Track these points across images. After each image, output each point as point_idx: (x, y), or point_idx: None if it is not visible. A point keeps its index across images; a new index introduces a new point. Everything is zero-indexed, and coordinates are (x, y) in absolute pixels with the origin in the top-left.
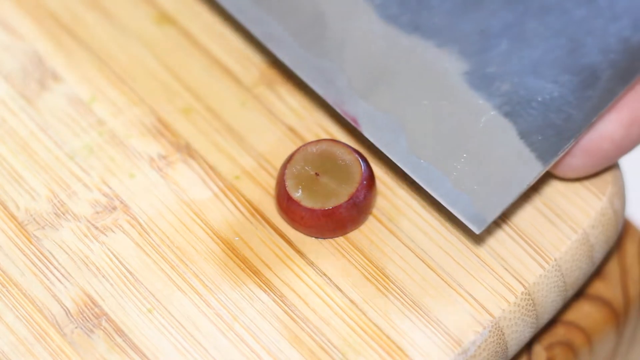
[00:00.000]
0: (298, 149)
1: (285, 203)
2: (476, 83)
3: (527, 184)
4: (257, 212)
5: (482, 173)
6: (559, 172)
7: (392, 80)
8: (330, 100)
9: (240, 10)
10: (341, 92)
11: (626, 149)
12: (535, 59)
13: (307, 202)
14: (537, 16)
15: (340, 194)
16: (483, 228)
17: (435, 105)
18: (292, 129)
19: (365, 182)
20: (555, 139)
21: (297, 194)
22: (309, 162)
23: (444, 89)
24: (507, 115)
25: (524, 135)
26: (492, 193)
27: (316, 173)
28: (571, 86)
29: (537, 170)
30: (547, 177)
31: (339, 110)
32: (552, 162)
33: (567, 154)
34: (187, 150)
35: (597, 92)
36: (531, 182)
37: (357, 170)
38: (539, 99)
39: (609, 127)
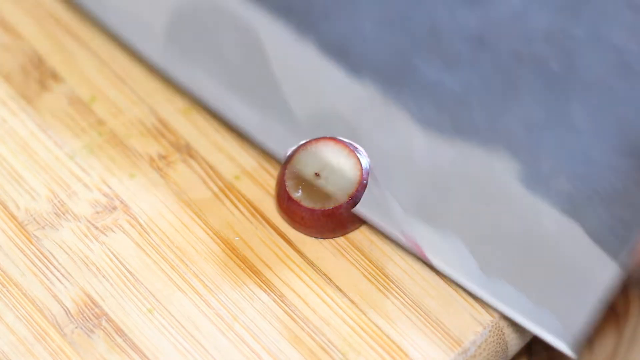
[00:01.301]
0: (298, 149)
1: (285, 203)
2: (531, 183)
3: (606, 288)
4: (257, 212)
5: (558, 283)
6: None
7: (445, 195)
8: (388, 228)
9: (277, 141)
10: (398, 218)
11: None
12: (586, 145)
13: (307, 202)
14: (580, 97)
15: (340, 194)
16: (579, 349)
17: (494, 215)
18: None
19: (365, 182)
20: (624, 232)
21: (297, 194)
22: (309, 162)
23: (499, 195)
24: (570, 214)
25: (591, 234)
26: (574, 304)
27: (316, 173)
28: (628, 170)
29: (613, 270)
30: None
31: (402, 238)
32: (629, 259)
33: None
34: (187, 150)
35: None
36: (612, 285)
37: (357, 170)
38: (600, 192)
39: None
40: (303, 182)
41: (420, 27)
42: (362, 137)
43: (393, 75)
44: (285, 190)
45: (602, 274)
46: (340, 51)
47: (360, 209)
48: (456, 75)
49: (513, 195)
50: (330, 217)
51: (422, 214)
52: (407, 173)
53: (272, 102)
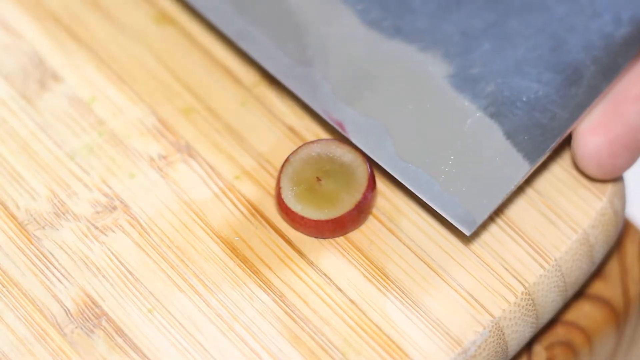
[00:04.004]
0: (297, 150)
1: (284, 210)
2: (460, 85)
3: (515, 184)
4: (257, 212)
5: (470, 175)
6: (603, 175)
7: (376, 85)
8: (316, 107)
9: (224, 22)
10: (326, 99)
11: None
12: (518, 58)
13: (307, 212)
14: (518, 15)
15: (345, 200)
16: (473, 229)
17: (420, 108)
18: (292, 129)
19: (372, 188)
20: (541, 138)
21: (296, 205)
22: (310, 165)
23: (428, 92)
24: (492, 116)
25: (510, 135)
26: (481, 194)
27: (317, 178)
28: (555, 84)
29: (524, 169)
30: (547, 177)
31: (325, 117)
32: (539, 161)
33: (610, 155)
34: (187, 150)
35: (582, 89)
36: (519, 182)
37: (364, 174)
38: (524, 99)
39: None
40: (303, 187)
41: None
42: (307, 30)
43: None
44: (283, 200)
45: (512, 171)
46: None
47: (291, 85)
48: None
49: (440, 93)
50: (332, 223)
51: (350, 98)
52: (343, 62)
53: None
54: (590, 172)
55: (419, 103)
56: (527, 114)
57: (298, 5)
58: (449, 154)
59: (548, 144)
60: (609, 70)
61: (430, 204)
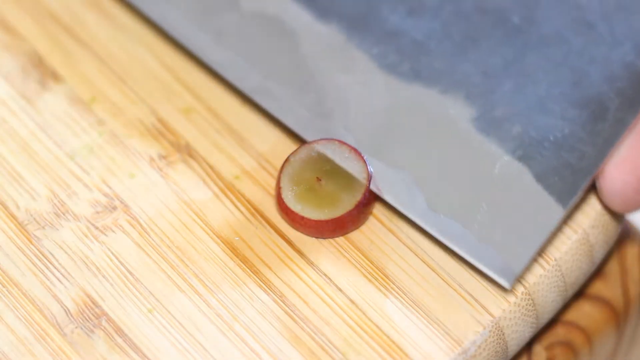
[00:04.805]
0: (297, 150)
1: (284, 210)
2: (485, 128)
3: (551, 230)
4: (257, 212)
5: (504, 222)
6: (627, 210)
7: (400, 134)
8: (340, 161)
9: (238, 77)
10: None
11: None
12: (541, 95)
13: (307, 212)
14: (536, 49)
15: (345, 200)
16: (512, 281)
17: (447, 155)
18: (292, 129)
19: (370, 187)
20: (572, 179)
21: (296, 205)
22: (310, 165)
23: (453, 138)
24: (520, 159)
25: (540, 178)
26: (517, 243)
27: (317, 178)
28: (581, 121)
29: (558, 213)
30: None
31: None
32: (573, 203)
33: (637, 192)
34: (187, 150)
35: (608, 123)
36: (555, 227)
37: (364, 174)
38: (551, 138)
39: None
40: (303, 187)
41: None
42: (325, 81)
43: (358, 21)
44: (283, 200)
45: (545, 215)
46: None
47: (312, 139)
48: (420, 23)
49: (465, 138)
50: (332, 223)
51: (375, 150)
52: (364, 111)
53: (240, 40)
54: (614, 208)
55: (445, 150)
56: (555, 154)
57: (312, 56)
58: (481, 202)
59: (579, 184)
60: (633, 102)
61: (466, 258)
